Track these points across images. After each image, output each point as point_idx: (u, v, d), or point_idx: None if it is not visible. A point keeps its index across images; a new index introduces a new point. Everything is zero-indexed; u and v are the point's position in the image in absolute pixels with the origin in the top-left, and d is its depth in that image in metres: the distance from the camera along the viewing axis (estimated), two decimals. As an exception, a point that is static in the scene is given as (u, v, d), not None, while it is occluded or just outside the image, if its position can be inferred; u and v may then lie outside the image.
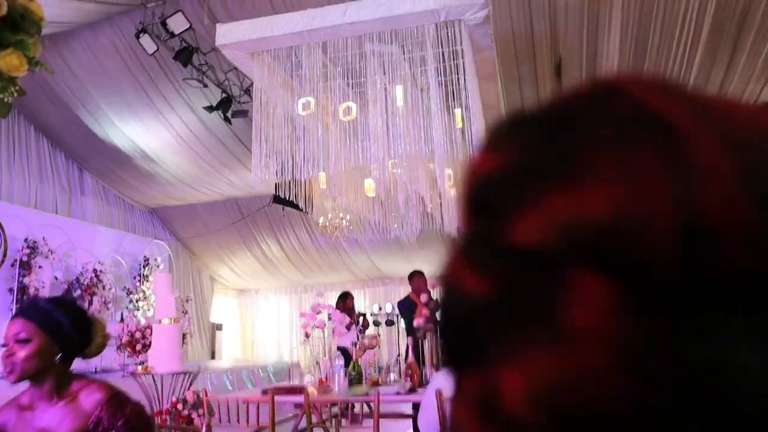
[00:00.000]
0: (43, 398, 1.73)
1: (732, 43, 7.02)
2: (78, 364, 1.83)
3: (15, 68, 1.16)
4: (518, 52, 7.49)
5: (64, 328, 1.76)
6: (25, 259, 8.08)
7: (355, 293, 11.77)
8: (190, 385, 4.20)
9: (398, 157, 4.34)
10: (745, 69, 7.34)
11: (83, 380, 1.79)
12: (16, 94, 1.25)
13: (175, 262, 11.78)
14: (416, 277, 6.35)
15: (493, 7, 4.58)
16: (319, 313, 4.60)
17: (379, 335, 5.90)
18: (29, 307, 1.80)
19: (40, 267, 8.27)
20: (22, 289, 7.97)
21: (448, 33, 4.03)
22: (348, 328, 4.66)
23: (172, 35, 6.56)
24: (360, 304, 12.12)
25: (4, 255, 7.92)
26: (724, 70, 7.44)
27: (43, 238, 8.45)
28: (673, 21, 6.87)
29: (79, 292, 8.69)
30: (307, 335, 4.49)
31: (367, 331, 4.84)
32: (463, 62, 4.04)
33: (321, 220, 9.92)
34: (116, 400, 1.74)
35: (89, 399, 1.73)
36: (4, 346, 1.70)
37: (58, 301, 1.84)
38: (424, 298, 5.43)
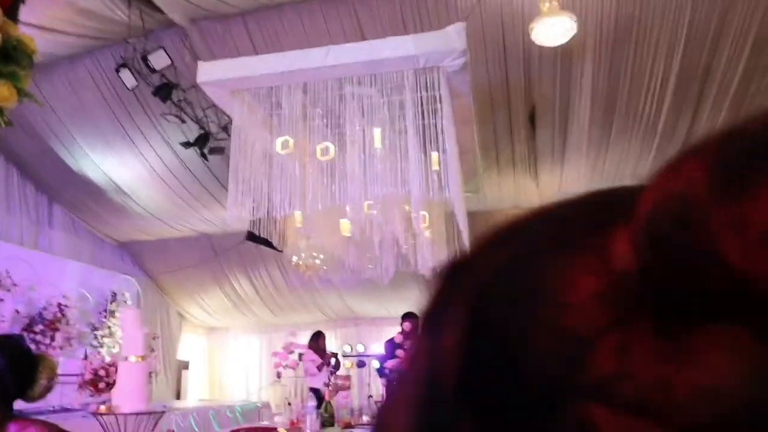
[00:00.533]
0: None
1: (697, 92, 7.32)
2: (34, 403, 1.74)
3: (5, 99, 1.18)
4: (494, 100, 7.69)
5: None
6: (-14, 292, 7.84)
7: (326, 333, 11.62)
8: (155, 426, 4.06)
9: (374, 198, 4.38)
10: (710, 118, 7.64)
11: (22, 421, 1.69)
12: (3, 125, 1.26)
13: (144, 298, 11.53)
14: (407, 318, 6.34)
15: (471, 54, 4.73)
16: (291, 352, 4.53)
17: (350, 376, 5.81)
18: None
19: (1, 300, 8.02)
20: (-19, 322, 7.71)
21: (427, 78, 4.14)
22: (319, 368, 4.58)
23: (153, 71, 6.59)
24: (331, 345, 11.96)
25: (-35, 287, 7.68)
26: (690, 120, 7.73)
27: (7, 270, 8.22)
28: (642, 72, 7.16)
29: (41, 327, 8.41)
30: (278, 375, 4.40)
31: (339, 372, 4.76)
32: (441, 107, 4.14)
33: (294, 258, 9.86)
34: None
35: None
36: None
37: None
38: (398, 338, 5.40)
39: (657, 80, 7.22)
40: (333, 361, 5.68)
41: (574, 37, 6.15)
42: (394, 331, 12.79)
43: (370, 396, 7.86)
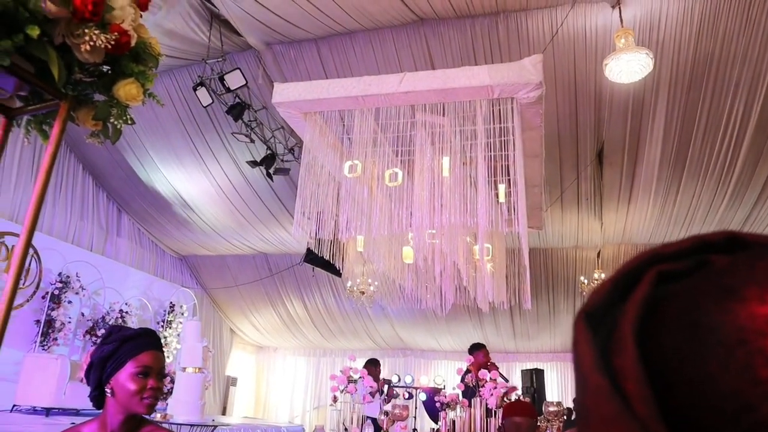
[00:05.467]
0: None
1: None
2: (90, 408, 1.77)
3: (133, 97, 1.23)
4: (561, 135, 7.57)
5: None
6: (56, 292, 8.16)
7: (374, 361, 11.50)
8: (207, 439, 4.08)
9: (440, 227, 4.33)
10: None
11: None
12: (129, 123, 1.31)
13: (199, 312, 11.78)
14: (479, 350, 6.26)
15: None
16: (350, 377, 4.48)
17: (408, 406, 5.70)
18: (158, 338, 1.81)
19: (69, 302, 8.33)
20: (49, 322, 8.00)
21: (500, 109, 4.09)
22: (372, 395, 4.50)
23: (228, 90, 6.81)
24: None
25: (37, 287, 8.02)
26: (769, 168, 7.38)
27: (77, 273, 8.56)
28: (719, 114, 6.90)
29: (103, 331, 8.68)
30: (335, 399, 4.35)
31: (396, 401, 4.66)
32: (513, 139, 4.08)
33: (349, 284, 9.88)
34: None
35: None
36: (144, 374, 1.68)
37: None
38: (460, 373, 5.31)
39: (736, 122, 6.93)
40: (386, 388, 5.58)
41: (648, 74, 6.01)
42: (443, 364, 12.62)
43: (415, 429, 7.69)
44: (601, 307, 0.38)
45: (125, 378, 1.65)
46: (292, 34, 7.03)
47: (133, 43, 1.23)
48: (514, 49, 6.54)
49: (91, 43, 1.13)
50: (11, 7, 0.98)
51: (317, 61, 7.29)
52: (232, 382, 12.99)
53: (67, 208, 9.30)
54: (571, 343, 0.38)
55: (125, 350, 1.69)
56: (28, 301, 7.85)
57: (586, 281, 9.57)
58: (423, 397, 7.73)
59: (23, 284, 7.63)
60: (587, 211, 8.94)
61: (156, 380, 1.69)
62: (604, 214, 9.00)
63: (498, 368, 5.53)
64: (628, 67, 5.90)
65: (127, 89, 1.26)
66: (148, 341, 1.74)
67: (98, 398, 1.70)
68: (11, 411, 7.02)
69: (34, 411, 6.99)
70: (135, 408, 1.65)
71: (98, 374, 1.68)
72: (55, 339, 8.04)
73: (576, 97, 7.11)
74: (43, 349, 7.87)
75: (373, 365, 6.59)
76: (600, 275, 9.56)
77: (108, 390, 1.66)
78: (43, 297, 8.05)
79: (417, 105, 4.36)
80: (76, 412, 6.93)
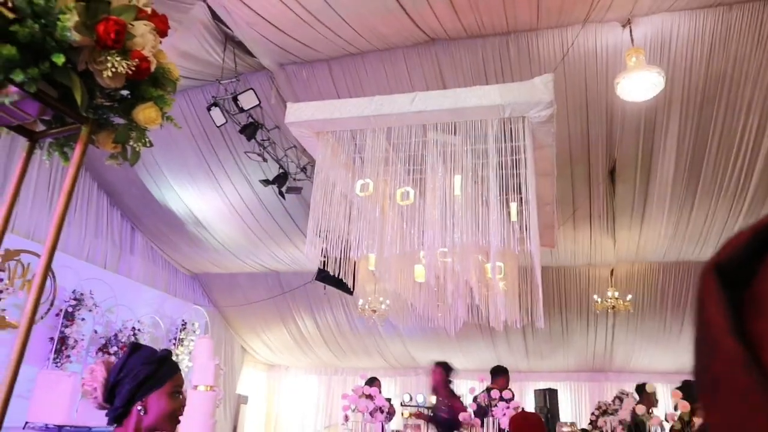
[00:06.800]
0: None
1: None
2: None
3: (151, 121, 1.27)
4: (573, 154, 7.56)
5: None
6: (70, 309, 8.23)
7: (387, 381, 11.43)
8: (218, 458, 4.07)
9: (451, 246, 4.33)
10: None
11: None
12: (148, 145, 1.35)
13: (210, 330, 11.79)
14: (501, 375, 6.20)
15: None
16: (362, 395, 4.45)
17: (420, 425, 5.64)
18: None
19: (83, 319, 8.39)
20: (62, 339, 8.05)
21: (511, 128, 4.11)
22: (372, 414, 4.47)
23: (242, 110, 6.89)
24: (391, 392, 11.76)
25: (51, 304, 8.09)
26: (785, 186, 7.32)
27: (90, 291, 8.62)
28: (733, 133, 6.87)
29: (115, 348, 8.72)
30: (346, 418, 4.33)
31: (409, 421, 4.63)
32: (525, 157, 4.09)
33: (361, 302, 9.87)
34: None
35: None
36: (179, 393, 1.80)
37: None
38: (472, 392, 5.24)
39: (749, 139, 6.90)
40: (387, 407, 5.53)
41: (660, 92, 6.02)
42: (456, 383, 12.46)
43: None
44: (736, 261, 0.32)
45: (163, 396, 1.70)
46: (304, 55, 7.12)
47: (152, 68, 1.27)
48: (525, 68, 6.57)
49: (113, 70, 1.17)
50: (39, 37, 1.02)
51: (329, 81, 7.36)
52: (243, 400, 12.94)
53: (82, 226, 9.40)
54: (697, 298, 0.33)
55: (165, 371, 1.75)
56: (42, 318, 7.92)
57: (599, 300, 9.48)
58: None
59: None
60: (600, 229, 8.89)
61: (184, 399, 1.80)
62: (616, 232, 8.94)
63: (513, 394, 5.47)
64: (639, 86, 5.92)
65: (146, 113, 1.30)
66: (176, 363, 1.85)
67: (121, 416, 1.71)
68: (24, 428, 7.05)
69: (46, 428, 7.01)
70: (166, 426, 1.70)
71: (132, 391, 1.68)
72: (68, 356, 8.09)
73: (587, 115, 7.12)
74: (57, 366, 7.91)
75: (370, 385, 6.56)
76: (614, 293, 9.48)
77: (139, 407, 1.67)
78: (57, 314, 8.12)
79: (429, 124, 4.39)
80: (88, 430, 6.94)
